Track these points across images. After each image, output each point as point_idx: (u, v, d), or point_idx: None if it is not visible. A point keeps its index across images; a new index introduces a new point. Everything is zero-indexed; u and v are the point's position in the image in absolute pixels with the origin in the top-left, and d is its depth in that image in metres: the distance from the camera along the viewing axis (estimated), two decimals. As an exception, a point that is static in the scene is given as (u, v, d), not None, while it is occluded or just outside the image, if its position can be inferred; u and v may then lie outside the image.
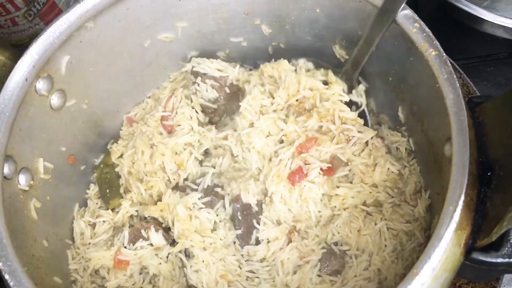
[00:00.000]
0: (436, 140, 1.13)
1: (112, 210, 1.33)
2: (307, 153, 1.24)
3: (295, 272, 1.19)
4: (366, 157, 1.25)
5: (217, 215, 1.27)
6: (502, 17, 1.45)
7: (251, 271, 1.21)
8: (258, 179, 1.27)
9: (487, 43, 1.64)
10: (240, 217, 1.24)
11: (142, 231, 1.24)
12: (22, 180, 1.12)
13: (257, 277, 1.21)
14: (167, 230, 1.27)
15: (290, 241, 1.22)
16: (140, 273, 1.24)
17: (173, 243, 1.26)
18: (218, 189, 1.29)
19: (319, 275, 1.18)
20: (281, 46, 1.46)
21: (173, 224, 1.24)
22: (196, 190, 1.30)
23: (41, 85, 1.15)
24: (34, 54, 1.11)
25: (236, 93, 1.42)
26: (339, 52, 1.37)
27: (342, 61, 1.38)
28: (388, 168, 1.23)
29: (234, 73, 1.42)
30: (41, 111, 1.18)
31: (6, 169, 1.05)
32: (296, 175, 1.22)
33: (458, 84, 0.97)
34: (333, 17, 1.28)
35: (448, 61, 1.00)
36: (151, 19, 1.32)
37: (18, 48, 1.57)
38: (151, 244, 1.24)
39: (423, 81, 1.11)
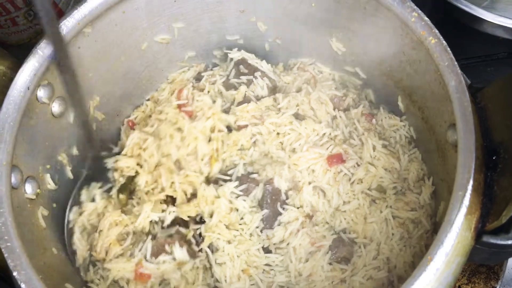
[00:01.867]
0: (437, 127, 1.14)
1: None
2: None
3: (307, 260, 1.20)
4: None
5: (251, 201, 1.26)
6: (502, 17, 1.44)
7: (267, 264, 1.22)
8: (290, 166, 1.27)
9: (487, 43, 1.62)
10: (269, 200, 1.24)
11: (166, 246, 1.20)
12: (29, 189, 1.11)
13: (273, 269, 1.21)
14: (191, 243, 1.23)
15: (303, 226, 1.23)
16: (160, 284, 1.21)
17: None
18: (255, 175, 1.28)
19: (329, 263, 1.19)
20: (278, 42, 1.46)
21: (210, 216, 1.22)
22: (230, 180, 1.28)
23: (42, 93, 1.14)
24: (35, 62, 1.10)
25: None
26: (336, 45, 1.38)
27: (339, 54, 1.39)
28: (374, 146, 1.27)
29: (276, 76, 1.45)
30: (43, 119, 1.17)
31: (13, 179, 1.04)
32: (335, 159, 1.26)
33: (459, 71, 0.98)
34: (329, 10, 1.29)
35: (448, 48, 1.01)
36: (147, 21, 1.31)
37: (18, 49, 1.57)
38: (174, 258, 1.20)
39: (423, 69, 1.12)
